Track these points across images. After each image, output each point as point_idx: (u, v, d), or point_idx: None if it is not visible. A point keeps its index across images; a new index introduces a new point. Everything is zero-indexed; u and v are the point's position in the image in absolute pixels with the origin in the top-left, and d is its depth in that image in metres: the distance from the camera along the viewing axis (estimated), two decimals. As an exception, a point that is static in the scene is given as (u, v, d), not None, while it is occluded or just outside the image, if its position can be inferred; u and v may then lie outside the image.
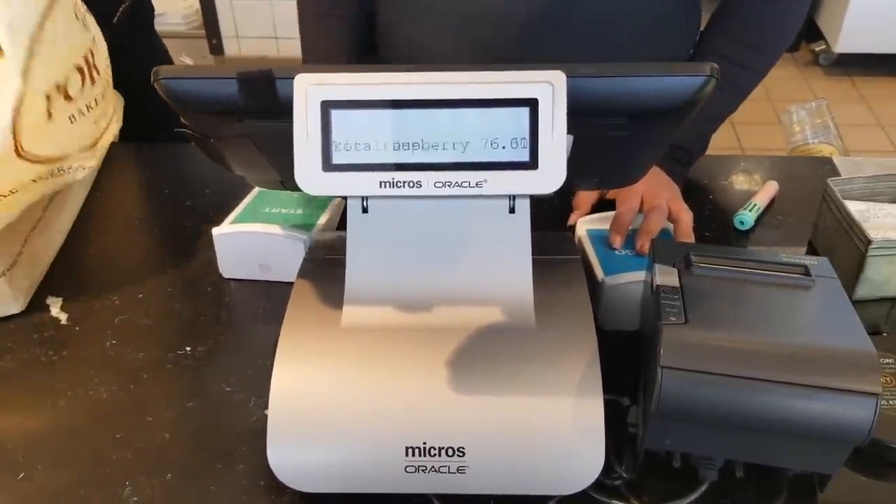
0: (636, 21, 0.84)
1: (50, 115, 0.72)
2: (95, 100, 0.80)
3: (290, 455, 0.55)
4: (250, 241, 0.76)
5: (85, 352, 0.69)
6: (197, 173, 0.93)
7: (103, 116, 0.84)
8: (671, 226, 0.76)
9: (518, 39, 0.85)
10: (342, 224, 0.83)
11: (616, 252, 0.73)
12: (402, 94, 0.48)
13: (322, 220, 0.79)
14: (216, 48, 3.17)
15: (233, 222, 0.78)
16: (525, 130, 0.48)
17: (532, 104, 0.47)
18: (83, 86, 0.78)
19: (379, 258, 0.59)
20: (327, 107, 0.48)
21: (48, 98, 0.72)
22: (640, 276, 0.67)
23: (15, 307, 0.73)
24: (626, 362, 0.66)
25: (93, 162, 0.81)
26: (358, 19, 0.94)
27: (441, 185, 0.49)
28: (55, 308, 0.74)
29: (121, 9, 1.01)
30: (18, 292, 0.73)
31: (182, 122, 0.56)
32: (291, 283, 0.76)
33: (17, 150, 0.68)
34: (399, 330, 0.58)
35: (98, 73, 0.81)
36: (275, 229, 0.75)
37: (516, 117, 0.48)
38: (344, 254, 0.65)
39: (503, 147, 0.48)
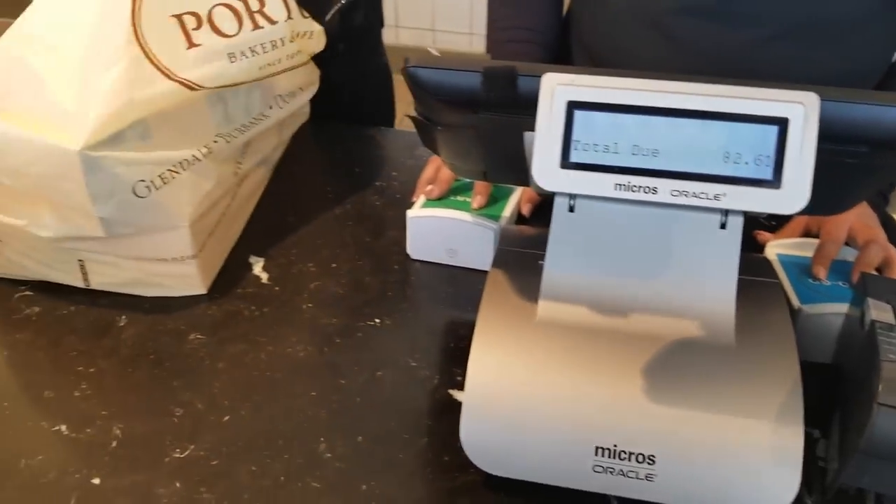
0: (834, 24, 0.82)
1: (191, 42, 0.74)
2: (263, 46, 0.81)
3: (481, 437, 0.57)
4: (441, 225, 0.78)
5: (283, 311, 0.74)
6: (386, 157, 0.97)
7: (279, 67, 0.84)
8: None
9: (714, 37, 0.84)
10: (521, 218, 0.85)
11: (809, 280, 0.72)
12: (648, 101, 0.49)
13: (506, 212, 0.81)
14: (376, 35, 3.27)
15: (423, 206, 0.81)
16: (771, 148, 0.48)
17: (781, 123, 0.47)
18: (241, 26, 0.79)
19: (580, 257, 0.60)
20: (572, 107, 0.50)
21: (180, 21, 0.73)
22: (841, 307, 0.65)
23: (201, 289, 0.76)
24: (815, 394, 0.65)
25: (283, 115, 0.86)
26: (546, 42, 0.95)
27: (677, 193, 0.50)
28: (257, 267, 0.79)
29: (332, 10, 1.05)
30: (205, 275, 0.76)
31: (416, 107, 0.59)
32: (474, 270, 0.79)
33: (161, 70, 0.70)
34: (595, 331, 0.59)
35: (268, 21, 0.81)
36: (465, 216, 0.78)
37: (763, 134, 0.48)
38: (537, 248, 0.67)
39: (746, 163, 0.48)
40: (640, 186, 0.50)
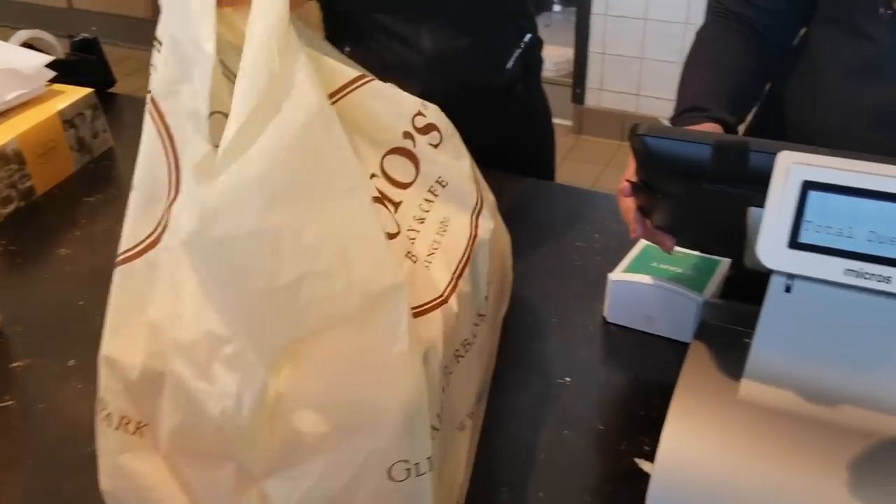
0: None
1: None
2: None
3: (669, 511, 0.56)
4: (644, 291, 0.78)
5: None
6: (589, 218, 0.98)
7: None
8: None
9: None
10: (724, 293, 0.83)
11: None
12: (891, 188, 0.47)
13: (711, 284, 0.80)
14: (577, 97, 3.31)
15: (625, 271, 0.81)
16: None
17: None
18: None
19: (791, 340, 0.58)
20: (807, 187, 0.49)
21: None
22: None
23: None
24: None
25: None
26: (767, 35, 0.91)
27: (914, 286, 0.48)
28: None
29: (515, 55, 1.11)
30: None
31: (638, 173, 0.60)
32: (670, 339, 0.78)
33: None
34: (799, 417, 0.57)
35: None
36: (669, 285, 0.77)
37: None
38: (742, 325, 0.65)
39: None
40: (873, 274, 0.48)
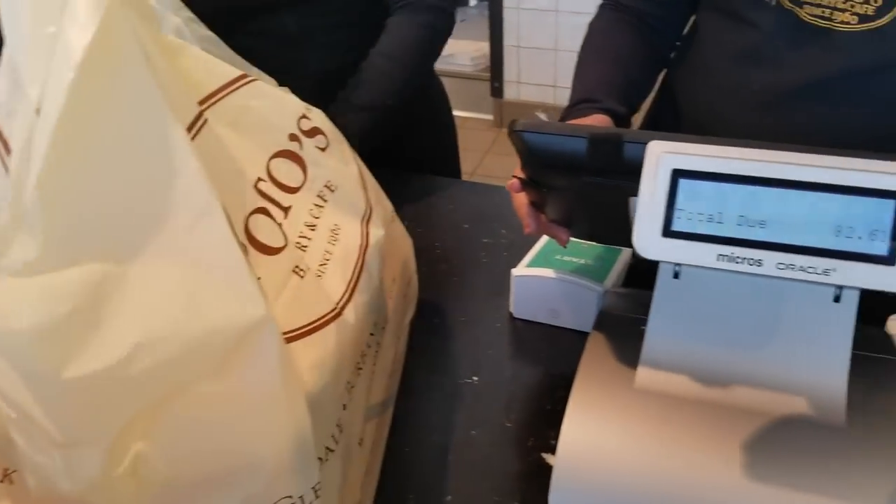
0: None
1: None
2: None
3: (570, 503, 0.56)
4: (546, 285, 0.78)
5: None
6: (495, 214, 0.98)
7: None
8: None
9: (824, 119, 0.81)
10: (628, 281, 0.83)
11: (936, 361, 0.67)
12: (757, 172, 0.48)
13: (612, 274, 0.80)
14: (496, 91, 3.33)
15: (528, 265, 0.81)
16: (887, 224, 0.46)
17: (898, 197, 0.45)
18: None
19: (683, 325, 0.59)
20: (677, 175, 0.49)
21: None
22: (970, 393, 0.61)
23: None
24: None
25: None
26: (653, 28, 0.93)
27: (784, 266, 0.48)
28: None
29: None
30: None
31: (523, 169, 0.60)
32: (576, 331, 0.78)
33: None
34: (695, 402, 0.58)
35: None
36: (570, 277, 0.78)
37: (879, 209, 0.46)
38: (641, 313, 0.66)
39: (859, 237, 0.47)
40: (745, 258, 0.49)
